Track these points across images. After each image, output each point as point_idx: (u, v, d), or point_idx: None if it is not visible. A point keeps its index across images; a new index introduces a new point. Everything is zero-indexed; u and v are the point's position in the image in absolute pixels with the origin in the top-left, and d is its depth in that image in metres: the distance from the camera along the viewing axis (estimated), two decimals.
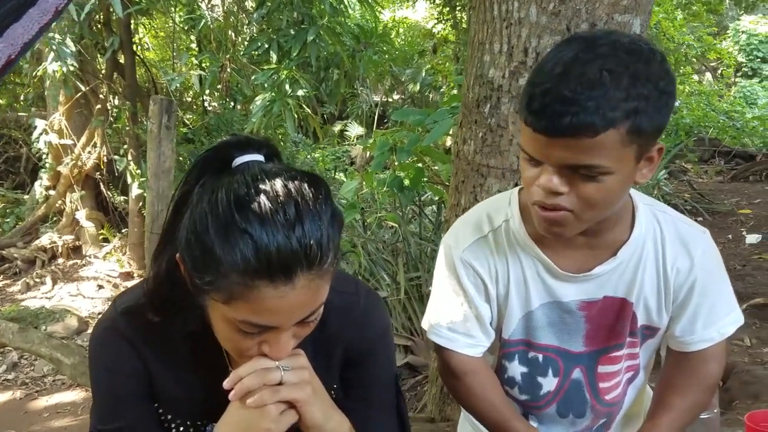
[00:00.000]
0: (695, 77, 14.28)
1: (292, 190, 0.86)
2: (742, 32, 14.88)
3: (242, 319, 0.87)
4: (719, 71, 15.08)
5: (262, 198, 0.84)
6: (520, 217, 1.19)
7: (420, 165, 3.69)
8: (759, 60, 14.81)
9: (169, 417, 1.07)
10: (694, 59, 13.08)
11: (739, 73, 15.03)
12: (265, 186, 0.85)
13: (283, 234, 0.82)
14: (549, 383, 1.25)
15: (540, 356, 1.24)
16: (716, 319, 1.20)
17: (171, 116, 3.38)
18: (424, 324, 1.29)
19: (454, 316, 1.23)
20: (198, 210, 0.87)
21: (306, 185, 0.88)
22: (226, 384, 0.92)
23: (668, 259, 1.18)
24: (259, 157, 0.94)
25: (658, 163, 1.07)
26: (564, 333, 1.22)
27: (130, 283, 5.84)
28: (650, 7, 1.77)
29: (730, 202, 6.54)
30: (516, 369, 1.26)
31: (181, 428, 1.07)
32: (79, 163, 6.93)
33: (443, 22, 12.15)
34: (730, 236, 5.48)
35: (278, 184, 0.86)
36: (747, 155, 8.89)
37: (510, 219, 1.20)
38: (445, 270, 1.24)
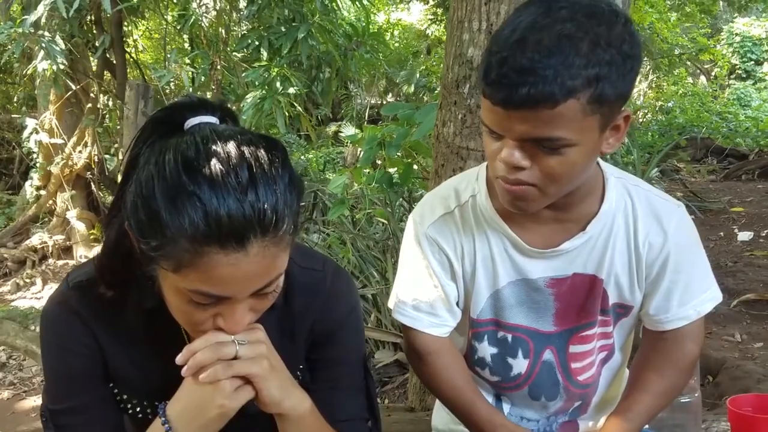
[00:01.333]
0: (689, 79, 14.30)
1: (246, 152, 0.82)
2: (736, 34, 14.91)
3: (193, 288, 0.83)
4: (713, 73, 15.10)
5: (213, 160, 0.80)
6: (486, 192, 1.16)
7: (409, 161, 3.67)
8: (752, 62, 14.84)
9: (125, 397, 1.04)
10: (688, 61, 13.10)
11: (733, 75, 15.05)
12: (217, 147, 0.82)
13: (235, 198, 0.79)
14: (519, 365, 1.22)
15: (509, 336, 1.21)
16: (692, 296, 1.17)
17: (147, 102, 3.34)
18: (390, 302, 1.26)
19: (419, 294, 1.20)
20: (144, 172, 0.83)
21: (262, 149, 0.84)
22: (179, 359, 0.89)
23: (640, 233, 1.14)
24: (213, 119, 0.90)
25: (625, 131, 1.03)
26: (533, 312, 1.19)
27: None
28: None
29: (723, 200, 6.53)
30: (486, 350, 1.23)
31: (138, 408, 1.04)
32: (70, 163, 6.89)
33: (437, 23, 12.16)
34: (722, 234, 5.47)
35: (231, 146, 0.82)
36: (739, 154, 8.89)
37: (477, 194, 1.17)
38: (410, 246, 1.21)
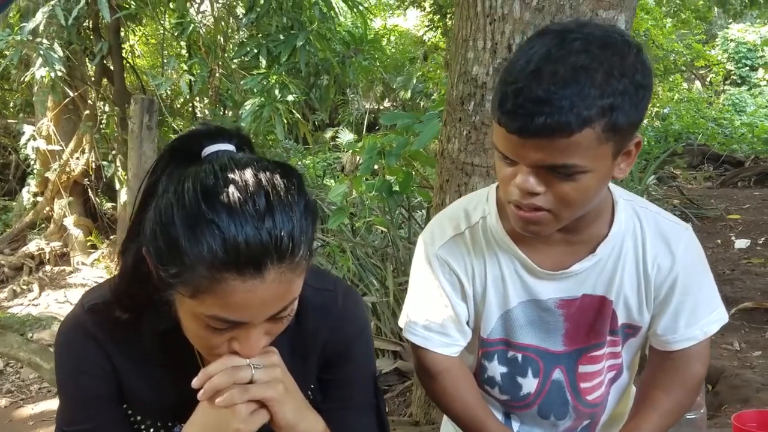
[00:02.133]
0: (684, 85, 14.37)
1: (263, 180, 0.83)
2: (731, 40, 14.99)
3: (210, 314, 0.84)
4: (708, 79, 15.18)
5: (231, 188, 0.81)
6: (497, 213, 1.17)
7: (409, 169, 3.68)
8: (747, 68, 14.92)
9: (139, 418, 1.04)
10: (683, 67, 13.16)
11: (728, 81, 15.12)
12: (234, 176, 0.83)
13: (253, 225, 0.80)
14: (529, 384, 1.23)
15: (519, 356, 1.22)
16: (699, 317, 1.18)
17: (152, 116, 3.34)
18: (401, 322, 1.27)
19: (429, 314, 1.21)
20: (164, 200, 0.84)
21: (278, 176, 0.85)
22: (194, 383, 0.89)
23: (649, 255, 1.16)
24: (230, 147, 0.91)
25: (635, 156, 1.05)
26: (543, 332, 1.20)
27: None
28: (635, 3, 1.76)
29: (719, 207, 6.55)
30: (496, 369, 1.24)
31: (151, 429, 1.05)
32: (67, 169, 6.89)
33: (434, 29, 12.19)
34: (719, 241, 5.49)
35: (248, 174, 0.83)
36: (736, 161, 8.92)
37: (487, 216, 1.18)
38: (421, 267, 1.22)
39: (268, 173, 0.85)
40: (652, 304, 1.19)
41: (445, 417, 1.41)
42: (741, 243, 5.34)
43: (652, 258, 1.16)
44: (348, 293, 1.09)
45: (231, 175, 0.83)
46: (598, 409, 1.27)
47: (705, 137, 10.05)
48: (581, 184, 0.98)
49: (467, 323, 1.22)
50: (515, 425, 1.29)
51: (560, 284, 1.16)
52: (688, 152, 9.10)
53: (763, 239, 5.43)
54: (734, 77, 15.00)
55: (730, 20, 14.45)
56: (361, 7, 6.67)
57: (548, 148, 0.94)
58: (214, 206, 0.80)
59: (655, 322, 1.20)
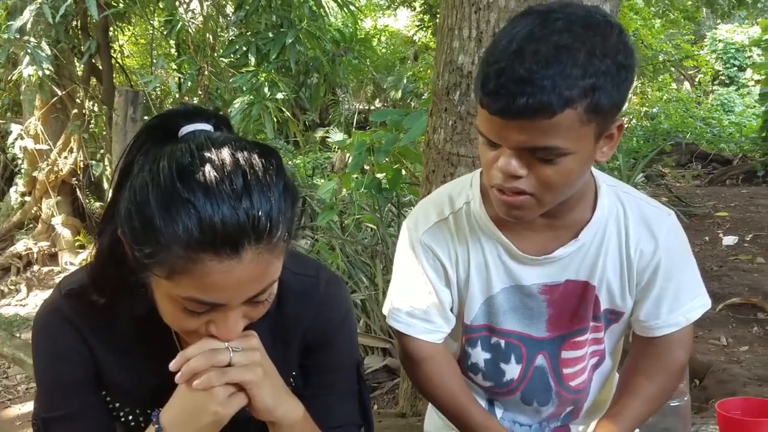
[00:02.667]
0: (673, 85, 14.44)
1: (241, 159, 0.82)
2: (719, 41, 15.07)
3: (186, 295, 0.83)
4: (697, 79, 15.26)
5: (207, 167, 0.81)
6: (481, 199, 1.16)
7: (398, 166, 3.68)
8: (735, 68, 15.00)
9: (117, 405, 1.03)
10: (672, 67, 13.23)
11: (716, 81, 15.20)
12: (211, 155, 0.82)
13: (229, 205, 0.79)
14: (512, 370, 1.23)
15: (503, 342, 1.22)
16: (682, 303, 1.18)
17: (137, 108, 3.31)
18: (385, 309, 1.26)
19: (413, 301, 1.20)
20: (139, 180, 0.83)
21: (256, 155, 0.84)
22: (172, 366, 0.89)
23: (632, 240, 1.16)
24: (208, 127, 0.90)
25: (618, 140, 1.04)
26: (526, 318, 1.20)
27: None
28: None
29: (707, 205, 6.58)
30: (479, 355, 1.24)
31: (130, 416, 1.04)
32: (55, 169, 6.85)
33: (424, 29, 12.20)
34: (707, 238, 5.52)
35: (225, 153, 0.83)
36: (724, 160, 8.97)
37: (471, 201, 1.18)
38: (405, 253, 1.21)
39: (246, 153, 0.84)
40: (634, 290, 1.19)
41: (429, 408, 1.40)
42: (729, 240, 5.36)
43: (635, 243, 1.16)
44: (331, 279, 1.08)
45: (208, 154, 0.82)
46: (581, 395, 1.27)
47: (693, 136, 10.10)
48: (563, 166, 0.98)
49: (451, 309, 1.22)
50: (498, 412, 1.29)
51: (543, 270, 1.16)
52: (677, 151, 9.14)
53: (750, 236, 5.46)
54: (722, 77, 15.08)
55: (719, 21, 14.56)
56: (351, 7, 6.67)
57: (530, 129, 0.94)
58: (190, 185, 0.79)
59: (638, 307, 1.20)
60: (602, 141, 1.01)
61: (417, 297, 1.20)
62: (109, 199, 0.93)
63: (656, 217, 1.17)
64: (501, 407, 1.29)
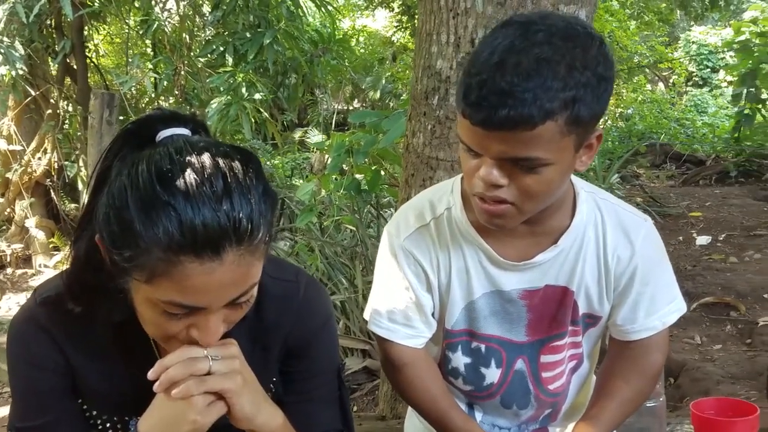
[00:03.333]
0: (648, 86, 14.62)
1: (220, 163, 0.83)
2: (693, 42, 15.29)
3: (167, 299, 0.83)
4: (671, 80, 15.46)
5: (188, 171, 0.81)
6: (462, 205, 1.17)
7: (377, 167, 3.68)
8: (709, 69, 15.23)
9: (94, 413, 1.02)
10: (646, 69, 13.40)
11: (690, 83, 15.42)
12: (191, 158, 0.82)
13: (210, 207, 0.79)
14: (492, 374, 1.24)
15: (483, 346, 1.23)
16: (658, 307, 1.20)
17: (113, 110, 3.27)
18: (366, 314, 1.26)
19: (394, 306, 1.21)
20: (117, 184, 0.83)
21: (236, 160, 0.85)
22: (150, 374, 0.88)
23: (609, 246, 1.17)
24: (185, 131, 0.90)
25: (597, 149, 1.06)
26: (506, 322, 1.21)
27: None
28: None
29: (681, 205, 6.67)
30: (459, 359, 1.25)
31: (108, 424, 1.03)
32: (29, 170, 6.73)
33: (402, 30, 12.22)
34: (681, 238, 5.60)
35: (205, 156, 0.83)
36: (697, 160, 9.10)
37: (452, 207, 1.18)
38: (386, 258, 1.22)
39: (225, 157, 0.84)
40: (612, 295, 1.20)
41: (409, 410, 1.41)
42: (702, 240, 5.45)
43: (612, 249, 1.17)
44: (310, 284, 1.08)
45: (187, 158, 0.82)
46: (559, 398, 1.29)
47: (667, 137, 10.23)
48: (544, 176, 0.99)
49: (432, 314, 1.22)
50: (478, 415, 1.30)
51: (523, 275, 1.17)
52: (651, 151, 9.26)
53: (723, 236, 5.55)
54: (696, 79, 15.30)
55: (692, 23, 14.78)
56: (329, 7, 6.65)
57: (511, 141, 0.95)
58: (170, 188, 0.80)
59: (615, 312, 1.22)
60: (582, 150, 1.03)
61: (398, 302, 1.20)
62: (84, 205, 0.92)
63: (633, 223, 1.19)
64: (480, 411, 1.30)
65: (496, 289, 1.18)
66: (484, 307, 1.20)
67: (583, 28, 0.99)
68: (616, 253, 1.17)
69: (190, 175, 0.80)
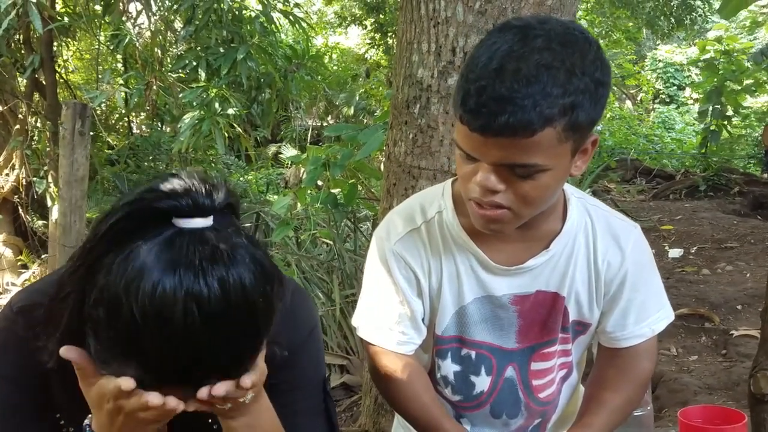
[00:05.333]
0: (616, 103, 14.90)
1: (237, 298, 0.76)
2: (659, 60, 15.64)
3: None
4: (638, 97, 15.77)
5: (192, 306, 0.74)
6: (453, 209, 1.16)
7: (353, 181, 3.66)
8: (675, 87, 15.58)
9: (71, 429, 0.97)
10: (614, 86, 13.66)
11: (657, 100, 15.75)
12: (201, 293, 0.74)
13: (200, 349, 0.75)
14: (482, 382, 1.22)
15: (473, 353, 1.21)
16: (648, 314, 1.20)
17: (85, 121, 3.18)
18: (354, 321, 1.23)
19: (384, 311, 1.18)
20: (111, 293, 0.75)
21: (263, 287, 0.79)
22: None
23: (599, 252, 1.17)
24: (207, 222, 0.78)
25: (591, 154, 1.06)
26: (497, 329, 1.19)
27: None
28: (575, 8, 1.80)
29: (653, 219, 6.77)
30: (449, 367, 1.22)
31: None
32: None
33: (375, 47, 12.30)
34: (653, 251, 5.62)
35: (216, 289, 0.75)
36: (666, 175, 9.27)
37: (443, 210, 1.17)
38: (376, 263, 1.19)
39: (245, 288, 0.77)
40: (602, 301, 1.20)
41: (395, 423, 1.38)
42: (674, 252, 5.52)
43: (603, 254, 1.17)
44: (296, 292, 1.05)
45: (197, 298, 0.74)
46: (549, 407, 1.27)
47: (637, 152, 10.41)
48: (541, 182, 0.98)
49: (423, 320, 1.20)
50: (467, 428, 1.27)
51: (515, 280, 1.16)
52: (622, 166, 9.41)
53: (695, 249, 5.63)
54: (663, 96, 15.65)
55: (659, 41, 15.13)
56: (303, 24, 6.65)
57: (510, 147, 0.94)
58: (164, 331, 0.74)
59: (605, 319, 1.21)
60: (577, 156, 1.02)
61: (388, 307, 1.18)
62: (70, 270, 0.83)
63: (623, 229, 1.19)
64: (468, 423, 1.27)
65: (487, 294, 1.16)
66: (475, 312, 1.18)
67: (580, 32, 0.98)
68: (607, 259, 1.17)
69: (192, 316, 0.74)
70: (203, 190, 0.78)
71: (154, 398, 0.77)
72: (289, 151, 10.43)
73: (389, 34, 11.27)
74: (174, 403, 0.78)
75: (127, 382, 0.76)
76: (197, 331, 0.73)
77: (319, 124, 11.83)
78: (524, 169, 0.96)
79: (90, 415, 0.88)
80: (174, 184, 0.78)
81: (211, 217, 0.78)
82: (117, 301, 0.74)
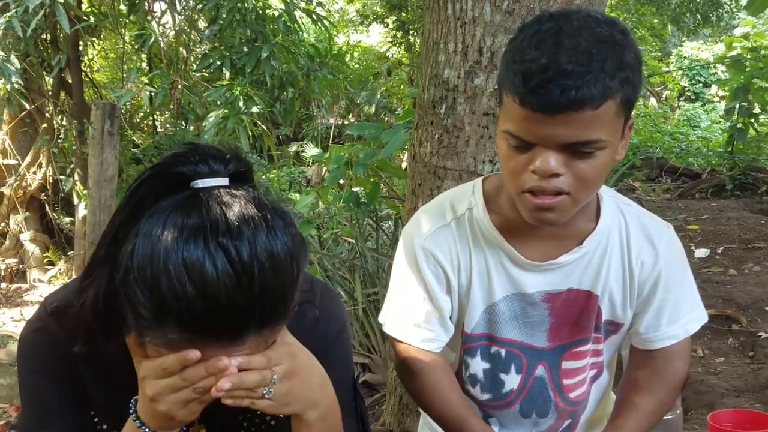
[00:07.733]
0: (641, 101, 14.73)
1: (259, 253, 0.78)
2: (685, 58, 15.42)
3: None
4: (664, 95, 15.57)
5: (221, 259, 0.76)
6: (484, 205, 1.15)
7: (375, 180, 3.66)
8: (701, 84, 15.35)
9: (105, 427, 0.99)
10: None
11: (683, 98, 15.54)
12: (225, 241, 0.77)
13: (236, 297, 0.77)
14: (512, 381, 1.21)
15: (503, 351, 1.20)
16: (681, 315, 1.18)
17: (114, 121, 3.23)
18: (381, 317, 1.23)
19: (412, 308, 1.18)
20: (140, 256, 0.78)
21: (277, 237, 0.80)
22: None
23: (633, 251, 1.16)
24: (224, 181, 0.83)
25: (628, 139, 1.06)
26: (527, 326, 1.18)
27: None
28: (603, 7, 1.78)
29: (679, 218, 6.67)
30: (478, 365, 1.21)
31: None
32: (24, 184, 6.68)
33: (397, 45, 12.28)
34: None
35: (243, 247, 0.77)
36: (692, 173, 9.13)
37: (474, 207, 1.16)
38: (404, 260, 1.19)
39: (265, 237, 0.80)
40: (635, 301, 1.18)
41: (421, 422, 1.38)
42: (701, 252, 5.44)
43: (636, 254, 1.16)
44: (325, 292, 1.06)
45: (221, 241, 0.77)
46: (579, 407, 1.26)
47: (662, 151, 10.28)
48: (599, 160, 0.98)
49: (450, 318, 1.19)
50: (495, 429, 1.26)
51: (546, 277, 1.15)
52: (647, 165, 9.29)
53: (721, 249, 5.55)
54: (688, 93, 15.42)
55: (684, 38, 14.91)
56: (326, 22, 6.67)
57: (575, 123, 0.93)
58: (198, 285, 0.76)
59: (638, 319, 1.19)
60: (621, 138, 1.02)
61: (416, 304, 1.17)
62: (98, 251, 0.87)
63: (656, 229, 1.18)
64: (497, 423, 1.26)
65: (518, 292, 1.16)
66: (505, 310, 1.17)
67: (610, 19, 1.00)
68: (640, 258, 1.16)
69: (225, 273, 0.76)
70: (218, 156, 0.84)
71: (217, 361, 0.79)
72: (310, 150, 10.47)
73: (411, 32, 11.26)
74: (225, 361, 0.79)
75: (193, 353, 0.79)
76: (227, 280, 0.76)
77: (341, 122, 11.85)
78: (587, 146, 0.96)
79: (135, 398, 0.89)
80: (191, 151, 0.84)
81: (227, 179, 0.83)
82: (145, 263, 0.77)
